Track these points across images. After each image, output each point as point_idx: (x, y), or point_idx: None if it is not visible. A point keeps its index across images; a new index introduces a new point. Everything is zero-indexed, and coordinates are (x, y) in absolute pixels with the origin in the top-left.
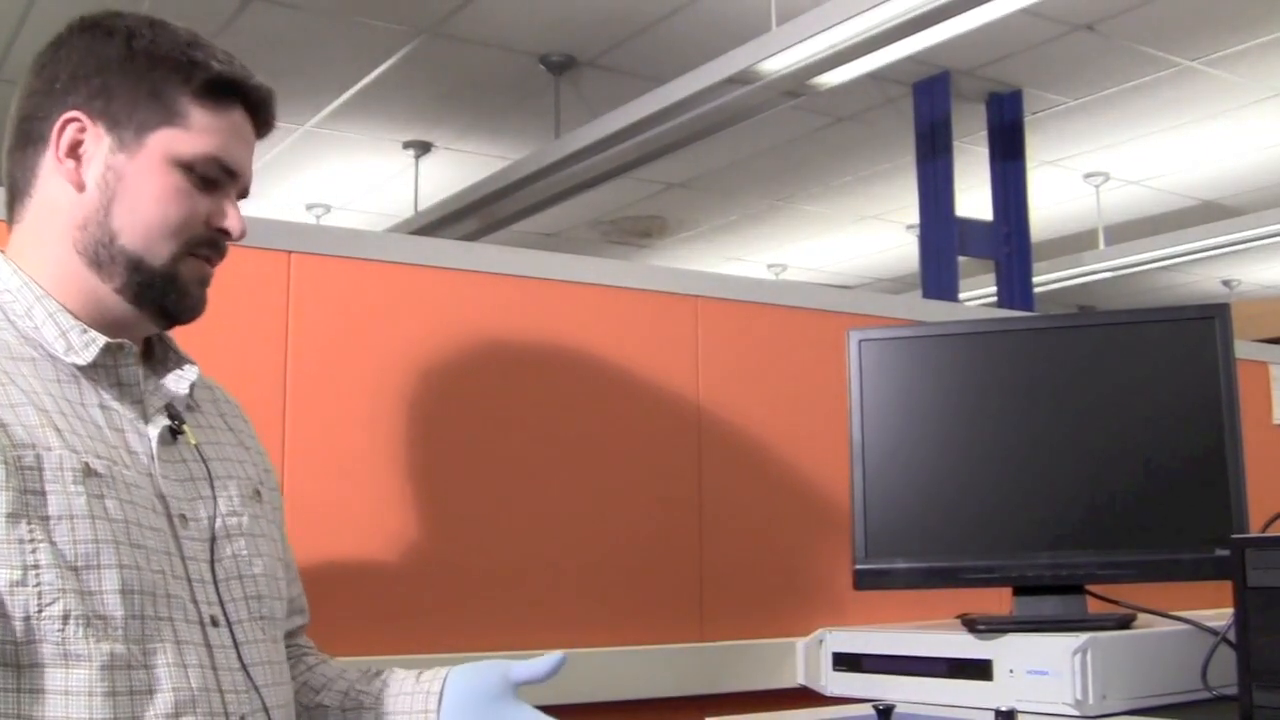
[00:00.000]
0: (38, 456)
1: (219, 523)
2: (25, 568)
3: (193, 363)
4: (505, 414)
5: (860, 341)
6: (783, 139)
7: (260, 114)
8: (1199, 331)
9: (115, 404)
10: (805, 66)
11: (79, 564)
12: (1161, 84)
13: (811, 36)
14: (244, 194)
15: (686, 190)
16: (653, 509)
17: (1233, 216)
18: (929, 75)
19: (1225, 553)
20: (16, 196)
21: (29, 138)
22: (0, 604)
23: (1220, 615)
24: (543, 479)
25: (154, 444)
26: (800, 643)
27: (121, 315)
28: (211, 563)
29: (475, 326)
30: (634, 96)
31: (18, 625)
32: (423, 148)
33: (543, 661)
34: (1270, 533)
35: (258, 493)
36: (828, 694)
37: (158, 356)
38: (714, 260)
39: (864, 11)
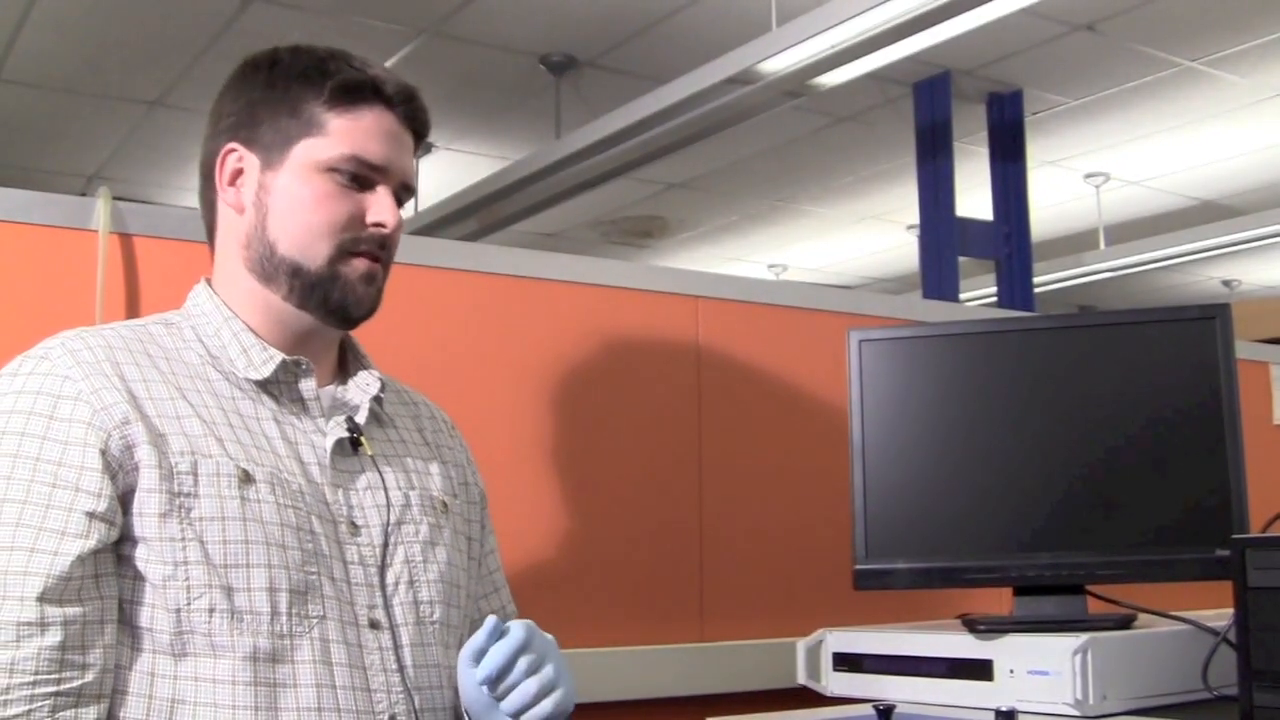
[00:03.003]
0: (194, 463)
1: (392, 531)
2: (175, 564)
3: (375, 376)
4: (505, 414)
5: (860, 341)
6: (783, 139)
7: (403, 109)
8: (1199, 331)
9: (292, 416)
10: (805, 66)
11: (228, 562)
12: (1162, 84)
13: (812, 36)
14: (406, 190)
15: (687, 190)
16: (653, 509)
17: (1233, 217)
18: (929, 75)
19: (1226, 553)
20: (209, 231)
21: (207, 178)
22: (158, 598)
23: (1221, 615)
24: (543, 479)
25: (327, 454)
26: (801, 643)
27: (299, 324)
28: (381, 568)
29: (475, 327)
30: (634, 96)
31: (171, 617)
32: (423, 148)
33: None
34: (1271, 533)
35: (445, 505)
36: (828, 694)
37: (350, 370)
38: (714, 260)
39: (864, 11)
